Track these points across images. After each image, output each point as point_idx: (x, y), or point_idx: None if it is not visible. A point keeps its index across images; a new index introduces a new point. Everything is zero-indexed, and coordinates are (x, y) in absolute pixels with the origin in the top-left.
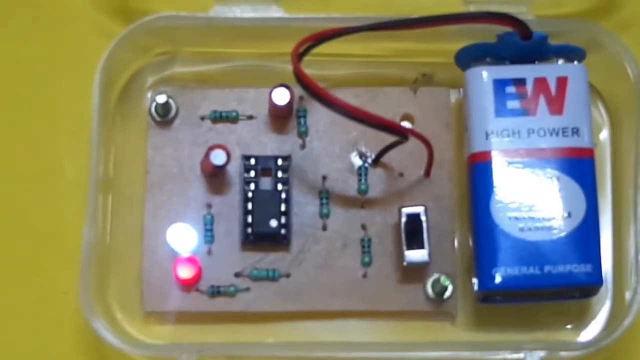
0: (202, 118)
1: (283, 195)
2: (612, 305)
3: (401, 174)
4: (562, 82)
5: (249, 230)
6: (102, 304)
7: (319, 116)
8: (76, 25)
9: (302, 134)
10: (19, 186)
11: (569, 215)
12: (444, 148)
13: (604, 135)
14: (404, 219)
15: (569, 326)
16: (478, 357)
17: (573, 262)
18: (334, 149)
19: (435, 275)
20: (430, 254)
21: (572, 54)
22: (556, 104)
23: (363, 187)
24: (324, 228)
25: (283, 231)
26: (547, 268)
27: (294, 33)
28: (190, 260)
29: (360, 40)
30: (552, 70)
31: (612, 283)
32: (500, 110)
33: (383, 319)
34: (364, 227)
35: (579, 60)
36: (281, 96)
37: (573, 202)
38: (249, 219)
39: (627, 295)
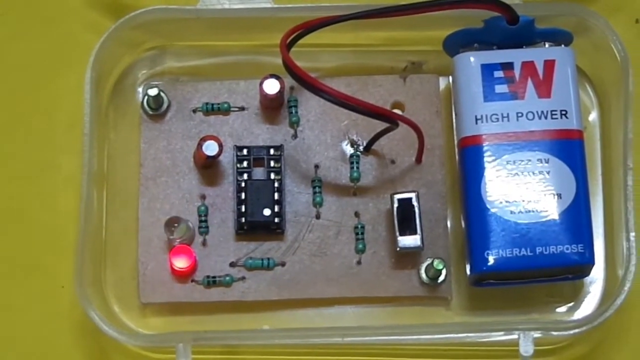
0: (194, 110)
1: (276, 185)
2: (604, 285)
3: (393, 161)
4: (549, 65)
5: (243, 219)
6: (99, 296)
7: (309, 106)
8: (67, 22)
9: (294, 124)
10: (14, 182)
11: (560, 196)
12: (435, 134)
13: (593, 117)
14: (396, 205)
15: (562, 307)
16: (472, 338)
17: (565, 242)
18: (325, 137)
19: (429, 260)
20: (422, 239)
21: (559, 37)
22: (544, 87)
23: (355, 174)
24: (318, 216)
25: (277, 220)
26: (539, 249)
27: (282, 24)
28: (186, 251)
29: (349, 29)
30: (539, 53)
31: (604, 263)
32: (489, 95)
33: (378, 305)
34: (357, 214)
35: (566, 44)
36: (272, 86)
37: (563, 183)
38: (243, 209)
39: (619, 273)
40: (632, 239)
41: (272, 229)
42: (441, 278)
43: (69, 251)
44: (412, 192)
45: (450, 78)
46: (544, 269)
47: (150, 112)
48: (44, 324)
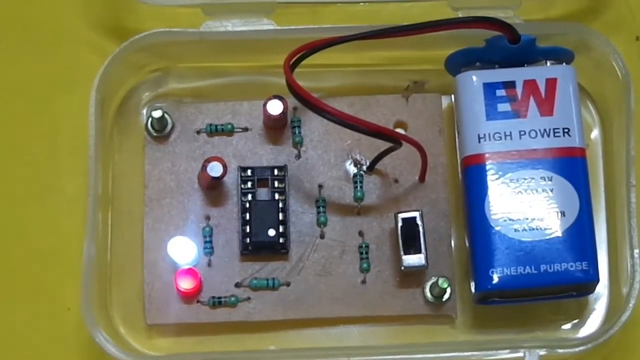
0: (198, 132)
1: (280, 205)
2: (609, 302)
3: (396, 180)
4: (551, 83)
5: (248, 240)
6: (105, 318)
7: (313, 126)
8: (71, 45)
9: (297, 144)
10: (20, 205)
11: (563, 214)
12: (438, 153)
13: (595, 134)
14: (400, 224)
15: (567, 324)
16: (478, 356)
17: (569, 260)
18: (329, 157)
19: (433, 279)
20: (427, 258)
21: (560, 55)
22: (546, 106)
23: (359, 194)
24: (322, 236)
25: (281, 240)
26: (543, 267)
27: (285, 45)
28: (191, 272)
29: (351, 50)
30: (541, 72)
31: (608, 280)
32: (492, 114)
33: (383, 324)
34: (361, 233)
35: (568, 62)
36: (275, 107)
37: (567, 201)
38: (248, 229)
39: (624, 290)
40: (636, 255)
41: (276, 249)
42: (446, 296)
43: (74, 273)
44: (416, 211)
45: (453, 97)
46: (548, 287)
47: (154, 134)
48: (50, 346)
